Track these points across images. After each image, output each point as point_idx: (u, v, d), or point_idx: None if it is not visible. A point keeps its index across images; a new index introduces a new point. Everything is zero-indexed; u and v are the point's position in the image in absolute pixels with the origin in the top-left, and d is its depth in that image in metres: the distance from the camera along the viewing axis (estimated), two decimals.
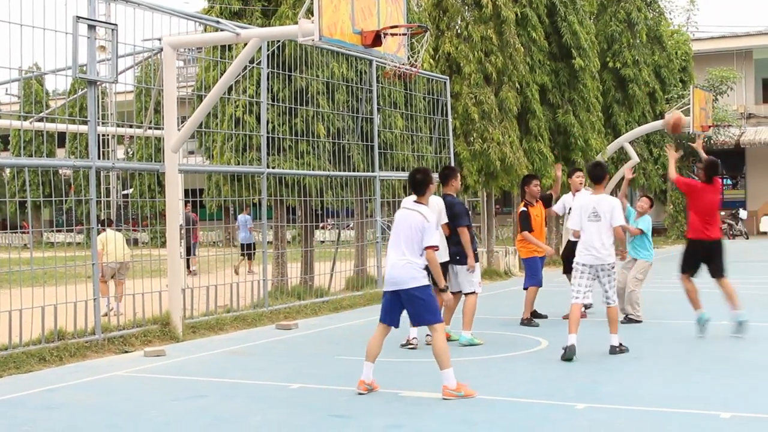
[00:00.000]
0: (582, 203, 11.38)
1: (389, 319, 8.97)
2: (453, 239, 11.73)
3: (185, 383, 9.83)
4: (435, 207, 10.97)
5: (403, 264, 8.80)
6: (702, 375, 9.69)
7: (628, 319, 13.49)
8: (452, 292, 11.55)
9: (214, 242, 41.16)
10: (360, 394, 8.74)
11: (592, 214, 11.10)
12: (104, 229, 16.11)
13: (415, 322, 9.15)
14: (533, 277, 13.82)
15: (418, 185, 9.22)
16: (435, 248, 8.97)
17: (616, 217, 11.06)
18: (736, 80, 38.72)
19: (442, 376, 8.65)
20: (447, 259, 11.60)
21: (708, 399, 8.51)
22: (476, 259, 11.91)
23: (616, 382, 9.39)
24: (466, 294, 11.91)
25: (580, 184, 15.40)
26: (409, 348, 11.55)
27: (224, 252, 23.64)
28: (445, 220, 11.51)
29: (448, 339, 11.31)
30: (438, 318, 8.89)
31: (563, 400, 8.41)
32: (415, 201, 9.22)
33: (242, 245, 26.32)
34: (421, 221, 8.88)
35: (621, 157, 31.39)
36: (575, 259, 11.32)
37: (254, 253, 25.29)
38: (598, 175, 11.38)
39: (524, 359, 10.83)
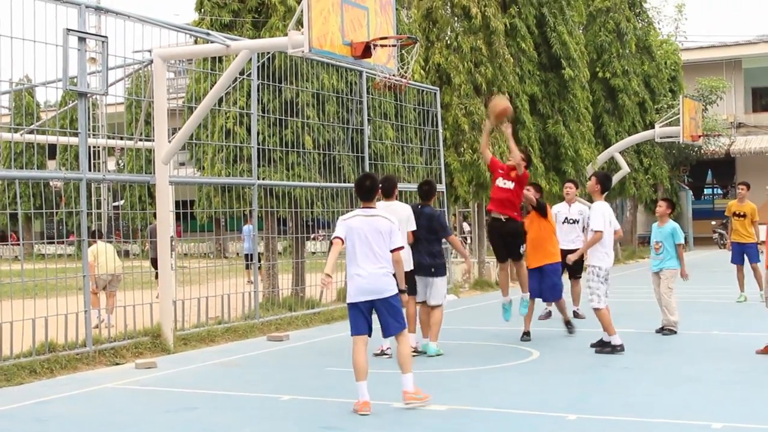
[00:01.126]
0: (603, 210, 11.94)
1: (366, 329, 8.85)
2: (427, 250, 11.65)
3: (176, 395, 9.82)
4: (403, 212, 11.26)
5: (382, 273, 8.75)
6: (693, 385, 9.70)
7: (669, 330, 13.38)
8: (417, 302, 11.86)
9: (205, 254, 41.09)
10: (363, 415, 8.43)
11: (609, 221, 11.94)
12: (95, 241, 16.05)
13: (387, 330, 8.97)
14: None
15: (368, 191, 9.09)
16: (402, 248, 9.03)
17: (615, 222, 12.17)
18: (725, 90, 38.84)
19: (405, 380, 8.72)
20: (411, 268, 11.43)
21: (699, 409, 8.52)
22: (446, 272, 11.92)
23: (607, 392, 9.40)
24: (433, 306, 11.82)
25: (567, 194, 15.48)
26: (386, 358, 11.48)
27: (215, 263, 23.61)
28: (413, 227, 11.43)
29: (415, 351, 11.48)
30: (405, 323, 9.05)
31: (554, 411, 8.42)
32: (363, 207, 9.07)
33: (246, 255, 26.27)
34: (387, 224, 8.87)
35: (611, 167, 31.47)
36: (599, 265, 11.81)
37: (251, 264, 25.18)
38: (608, 186, 12.21)
39: (515, 370, 10.84)
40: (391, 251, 8.86)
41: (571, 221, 15.19)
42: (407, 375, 8.74)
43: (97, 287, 15.57)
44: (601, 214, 11.83)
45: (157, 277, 19.83)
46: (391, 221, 8.96)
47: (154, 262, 21.52)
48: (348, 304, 8.88)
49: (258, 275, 16.55)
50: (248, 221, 26.24)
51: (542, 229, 13.29)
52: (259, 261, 20.96)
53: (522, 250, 12.86)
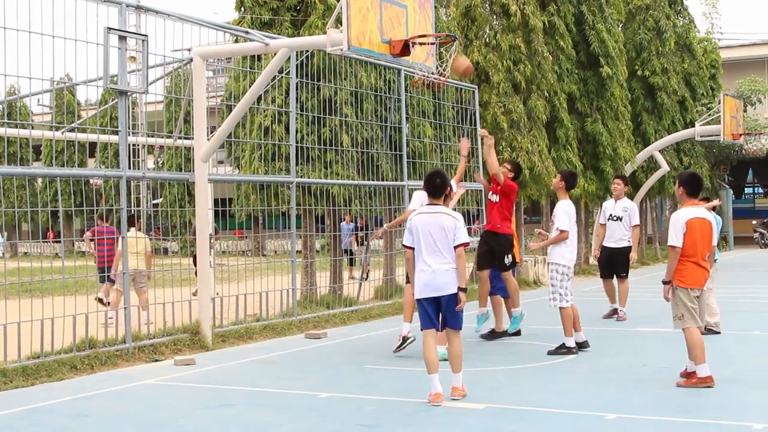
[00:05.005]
0: (568, 209, 12.00)
1: (431, 323, 9.04)
2: None
3: (215, 392, 9.87)
4: None
5: (446, 269, 8.92)
6: (735, 385, 9.60)
7: (708, 330, 13.27)
8: None
9: (243, 252, 41.30)
10: (436, 405, 8.68)
11: (574, 220, 12.11)
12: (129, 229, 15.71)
13: (450, 325, 9.10)
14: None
15: (438, 189, 9.22)
16: (467, 245, 9.13)
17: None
18: (765, 93, 38.27)
19: (454, 378, 8.96)
20: None
21: (740, 409, 8.45)
22: None
23: (646, 392, 9.32)
24: None
25: (614, 190, 15.56)
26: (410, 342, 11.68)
27: (253, 261, 23.73)
28: None
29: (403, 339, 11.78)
30: (461, 324, 9.18)
31: (593, 411, 8.38)
32: (430, 204, 9.24)
33: (346, 251, 26.92)
34: (452, 221, 9.01)
35: (651, 165, 31.24)
36: (561, 262, 11.77)
37: (354, 258, 27.61)
38: (573, 184, 12.36)
39: (552, 369, 10.79)
40: (455, 247, 8.97)
41: (615, 218, 15.22)
42: (459, 374, 8.99)
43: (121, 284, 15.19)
44: (566, 213, 11.80)
45: (351, 264, 20.37)
46: (456, 218, 9.06)
47: (347, 253, 22.47)
48: (416, 299, 9.14)
49: (357, 270, 16.67)
50: (347, 219, 27.29)
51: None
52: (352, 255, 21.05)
53: (508, 261, 12.76)
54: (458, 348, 9.04)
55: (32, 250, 38.03)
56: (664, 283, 9.72)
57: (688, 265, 9.62)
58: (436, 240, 8.96)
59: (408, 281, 11.89)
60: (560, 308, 11.69)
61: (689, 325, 9.62)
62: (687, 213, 9.68)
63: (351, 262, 27.42)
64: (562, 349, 11.69)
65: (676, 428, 7.75)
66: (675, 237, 9.56)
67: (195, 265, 19.15)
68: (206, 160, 13.30)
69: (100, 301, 15.64)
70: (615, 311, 15.39)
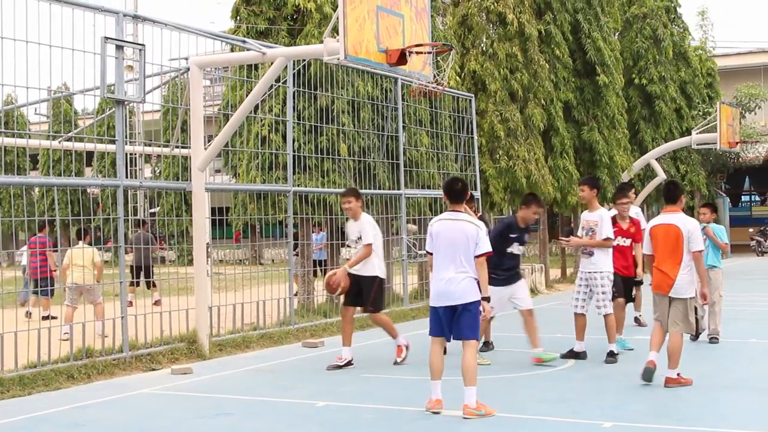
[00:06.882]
0: (609, 217, 12.00)
1: (441, 332, 8.81)
2: None
3: (212, 401, 9.86)
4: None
5: (462, 278, 8.66)
6: (730, 393, 9.61)
7: (717, 339, 13.29)
8: None
9: (240, 260, 41.28)
10: (435, 413, 8.60)
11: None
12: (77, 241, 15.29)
13: (457, 336, 8.81)
14: None
15: (458, 194, 8.98)
16: (491, 254, 8.86)
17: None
18: (764, 99, 38.27)
19: (466, 393, 8.57)
20: (384, 276, 12.01)
21: (737, 417, 8.45)
22: None
23: (643, 400, 9.33)
24: None
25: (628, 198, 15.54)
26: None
27: (250, 270, 23.70)
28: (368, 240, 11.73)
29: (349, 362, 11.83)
30: (477, 334, 8.90)
31: (590, 419, 8.37)
32: (451, 210, 8.98)
33: (314, 262, 26.67)
34: (474, 229, 8.73)
35: (648, 174, 31.26)
36: (611, 270, 11.93)
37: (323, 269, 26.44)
38: (600, 188, 12.65)
39: (550, 378, 10.79)
40: (476, 257, 8.72)
41: None
42: (469, 388, 8.58)
43: (72, 300, 14.68)
44: (609, 222, 11.81)
45: (133, 285, 19.42)
46: (479, 226, 8.81)
47: (137, 271, 20.20)
48: (429, 306, 8.93)
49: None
50: (317, 230, 26.86)
51: None
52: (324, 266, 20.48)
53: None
54: (470, 360, 8.63)
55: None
56: None
57: (652, 271, 10.11)
58: (456, 247, 8.70)
59: (373, 309, 12.19)
60: (606, 315, 11.75)
61: (675, 329, 9.95)
62: (653, 221, 10.19)
63: (315, 273, 26.60)
64: (610, 357, 11.72)
65: None
66: (646, 246, 10.23)
67: (135, 276, 19.17)
68: (203, 169, 13.31)
69: (45, 318, 15.19)
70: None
